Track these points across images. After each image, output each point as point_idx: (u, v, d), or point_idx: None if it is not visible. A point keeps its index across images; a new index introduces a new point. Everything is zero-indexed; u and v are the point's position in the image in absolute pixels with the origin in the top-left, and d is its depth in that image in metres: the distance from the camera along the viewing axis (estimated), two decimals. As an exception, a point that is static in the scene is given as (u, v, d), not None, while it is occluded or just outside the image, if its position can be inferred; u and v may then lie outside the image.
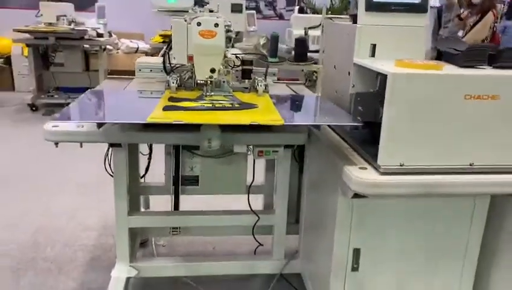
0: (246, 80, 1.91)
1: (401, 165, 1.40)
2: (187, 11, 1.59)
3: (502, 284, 1.76)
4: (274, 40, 2.26)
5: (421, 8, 1.64)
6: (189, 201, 2.42)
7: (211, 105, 1.64)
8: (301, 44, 2.30)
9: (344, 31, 1.76)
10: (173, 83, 1.82)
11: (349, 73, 1.68)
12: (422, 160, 1.41)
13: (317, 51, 4.65)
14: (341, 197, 1.60)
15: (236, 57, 1.91)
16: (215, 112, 1.59)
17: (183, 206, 2.36)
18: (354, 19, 1.72)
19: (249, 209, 2.14)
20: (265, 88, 1.83)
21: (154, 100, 1.72)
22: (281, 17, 7.60)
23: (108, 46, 6.15)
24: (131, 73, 2.30)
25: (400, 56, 1.61)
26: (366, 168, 1.46)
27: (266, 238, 2.37)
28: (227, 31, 1.65)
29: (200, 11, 1.58)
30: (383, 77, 1.40)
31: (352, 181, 1.41)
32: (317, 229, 1.98)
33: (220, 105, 1.65)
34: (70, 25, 5.56)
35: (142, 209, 2.62)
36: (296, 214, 2.41)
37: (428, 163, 1.41)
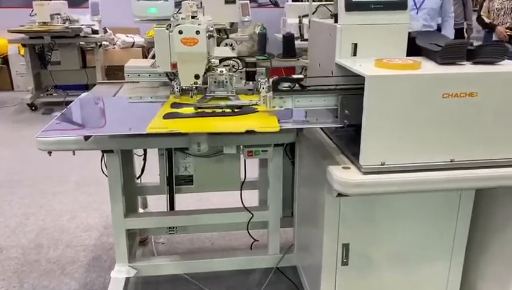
0: (251, 82, 1.94)
1: (382, 164, 1.44)
2: (169, 19, 1.62)
3: (489, 272, 1.80)
4: (262, 37, 2.28)
5: (400, 5, 1.65)
6: (185, 198, 2.47)
7: (210, 111, 1.68)
8: (288, 41, 2.31)
9: (326, 30, 1.77)
10: (177, 88, 1.86)
11: (332, 72, 1.71)
12: (403, 158, 1.44)
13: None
14: (327, 195, 1.64)
15: (240, 59, 1.93)
16: (214, 119, 1.63)
17: (179, 203, 2.41)
18: (336, 18, 1.73)
19: (243, 206, 2.19)
20: (269, 89, 1.85)
21: (145, 107, 1.76)
22: (276, 4, 7.55)
23: (104, 42, 6.16)
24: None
25: (381, 54, 1.63)
26: (349, 168, 1.49)
27: (262, 232, 2.42)
28: (210, 36, 1.67)
29: (182, 18, 1.60)
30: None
31: (334, 181, 1.45)
32: (309, 224, 2.03)
33: (220, 110, 1.69)
34: (64, 23, 5.57)
35: (140, 209, 2.67)
36: (292, 207, 2.45)
37: (409, 161, 1.44)
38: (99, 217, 3.07)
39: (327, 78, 1.73)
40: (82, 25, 5.73)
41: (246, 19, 5.76)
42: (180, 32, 1.54)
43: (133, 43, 6.70)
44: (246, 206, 2.22)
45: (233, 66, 1.92)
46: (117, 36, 6.67)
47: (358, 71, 1.42)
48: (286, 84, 1.64)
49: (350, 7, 1.63)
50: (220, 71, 1.84)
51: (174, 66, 1.65)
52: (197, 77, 1.63)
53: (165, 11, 1.54)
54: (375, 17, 1.65)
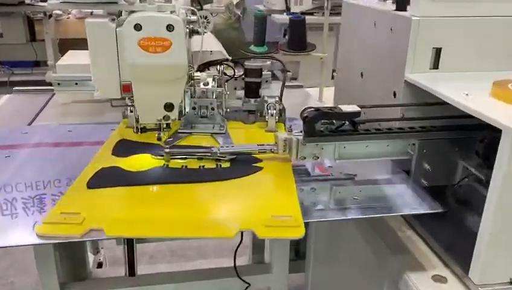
0: (252, 100, 1.20)
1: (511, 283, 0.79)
2: (116, 2, 0.87)
3: None
4: (260, 22, 1.56)
5: (517, -15, 0.98)
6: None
7: (180, 166, 0.96)
8: (298, 27, 1.62)
9: (383, 22, 1.09)
10: (130, 110, 1.07)
11: (394, 94, 1.03)
12: (547, 270, 0.80)
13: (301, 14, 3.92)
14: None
15: (235, 62, 1.20)
16: (181, 190, 0.89)
17: (141, 248, 1.72)
18: (400, 3, 1.05)
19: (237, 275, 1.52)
20: (281, 115, 1.14)
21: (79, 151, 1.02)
22: (255, -29, 6.71)
23: (56, 11, 5.26)
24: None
25: (478, 66, 0.98)
26: (444, 279, 0.84)
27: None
28: (192, 31, 0.95)
29: (140, 1, 0.86)
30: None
31: (424, 310, 0.80)
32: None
33: (196, 164, 0.97)
34: (4, -13, 4.64)
35: (90, 255, 1.96)
36: (296, 247, 1.86)
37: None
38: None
39: (382, 99, 1.06)
40: (27, -11, 4.81)
41: (223, -13, 4.98)
42: (138, 27, 0.82)
43: (91, 12, 5.76)
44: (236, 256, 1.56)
45: (224, 72, 1.19)
46: (72, 4, 5.75)
47: (482, 115, 0.75)
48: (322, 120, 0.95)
49: (436, -13, 0.95)
50: (204, 84, 1.12)
51: (126, 88, 0.90)
52: (169, 107, 0.90)
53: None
54: (473, 5, 0.98)
